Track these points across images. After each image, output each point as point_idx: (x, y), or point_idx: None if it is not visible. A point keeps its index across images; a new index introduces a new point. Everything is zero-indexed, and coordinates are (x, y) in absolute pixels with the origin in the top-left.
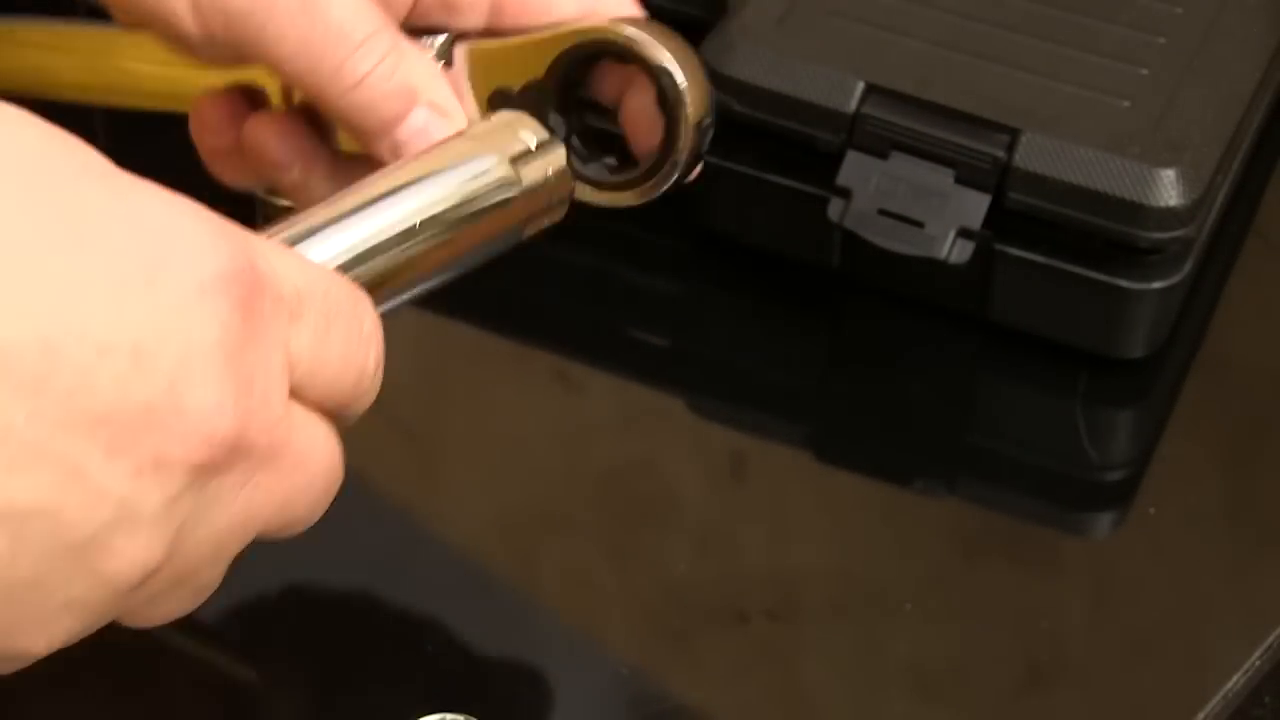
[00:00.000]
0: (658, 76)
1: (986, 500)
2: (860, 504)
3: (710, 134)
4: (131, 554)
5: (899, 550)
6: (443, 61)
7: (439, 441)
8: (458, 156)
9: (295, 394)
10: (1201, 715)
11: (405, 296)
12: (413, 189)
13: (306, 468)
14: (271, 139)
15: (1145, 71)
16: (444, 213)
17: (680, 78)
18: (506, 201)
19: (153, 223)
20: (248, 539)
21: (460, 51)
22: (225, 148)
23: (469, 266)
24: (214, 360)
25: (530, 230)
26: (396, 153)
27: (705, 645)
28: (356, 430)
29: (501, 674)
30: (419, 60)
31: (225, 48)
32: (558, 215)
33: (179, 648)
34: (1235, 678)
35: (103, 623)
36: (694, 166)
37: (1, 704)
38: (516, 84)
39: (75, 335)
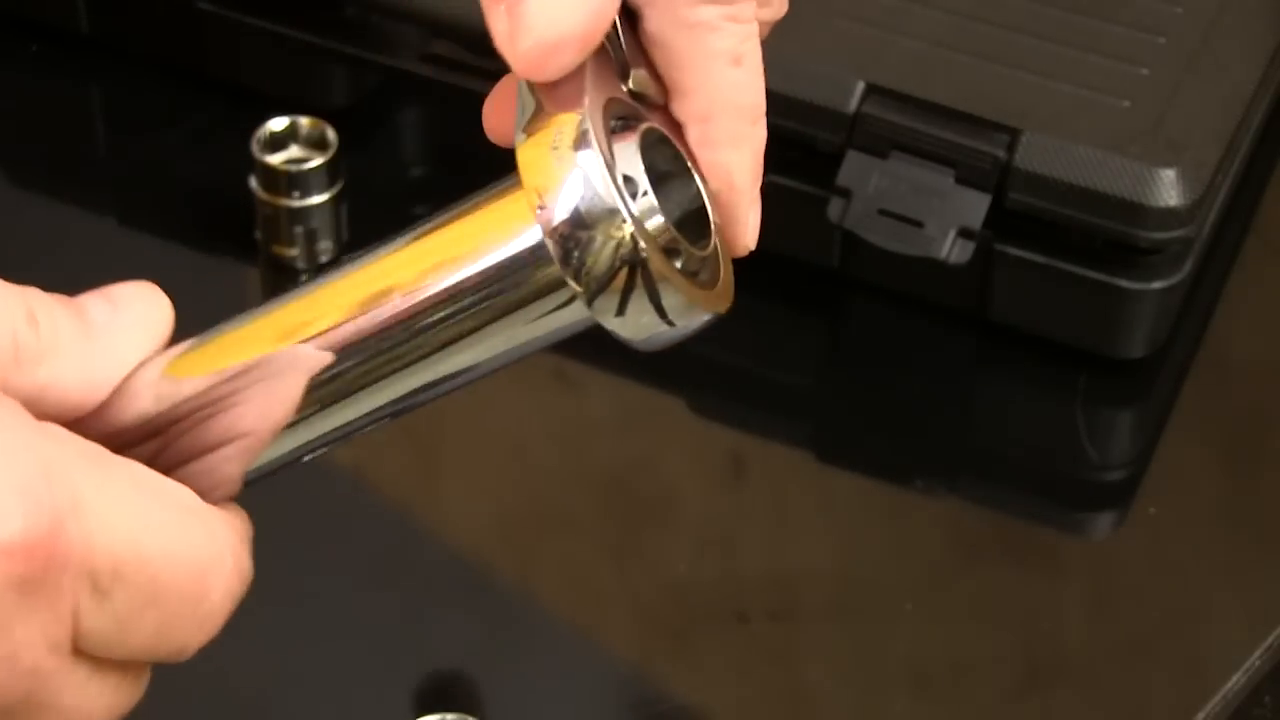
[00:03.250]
0: None
1: (986, 500)
2: (860, 504)
3: None
4: None
5: (899, 550)
6: None
7: (439, 441)
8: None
9: (81, 652)
10: (1201, 715)
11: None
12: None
13: None
14: None
15: (1145, 71)
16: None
17: None
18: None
19: None
20: None
21: None
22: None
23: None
24: None
25: None
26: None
27: (705, 645)
28: None
29: (501, 674)
30: None
31: None
32: None
33: None
34: (1235, 678)
35: None
36: None
37: None
38: None
39: None
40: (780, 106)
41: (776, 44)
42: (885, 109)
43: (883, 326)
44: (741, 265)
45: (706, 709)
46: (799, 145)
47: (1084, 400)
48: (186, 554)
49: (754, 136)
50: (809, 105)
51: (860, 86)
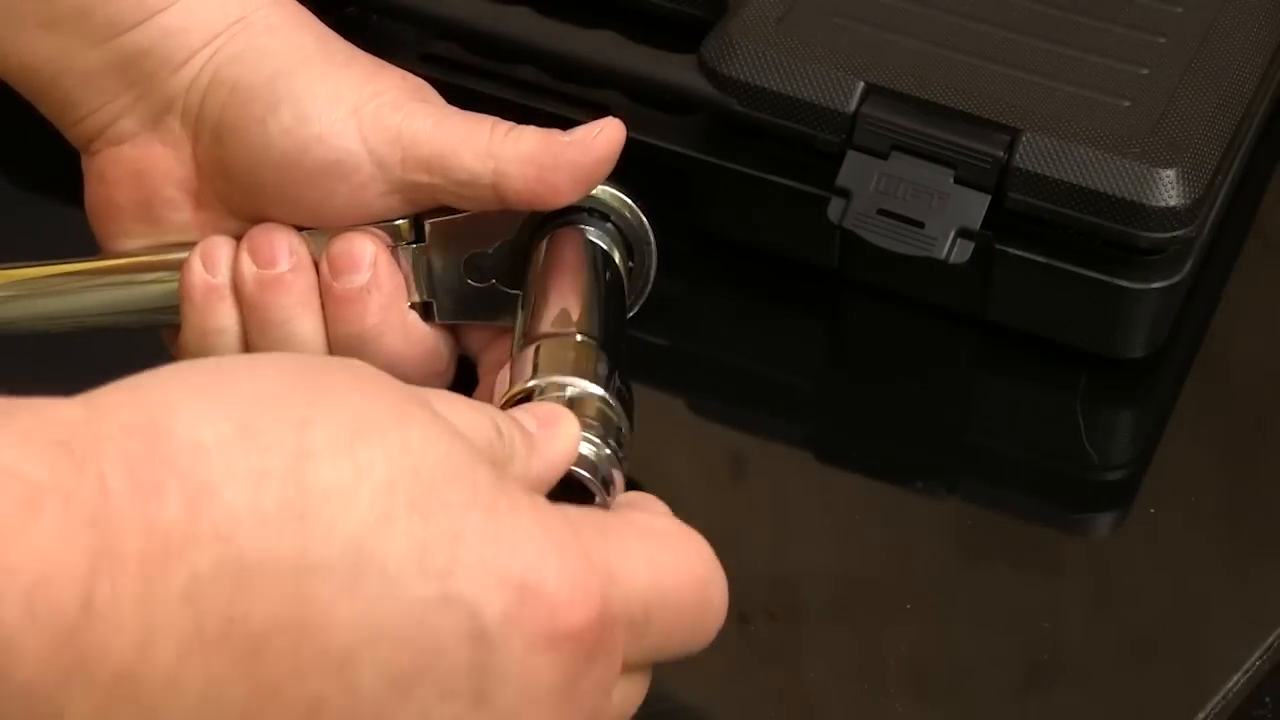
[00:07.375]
0: (636, 231)
1: (986, 500)
2: (860, 504)
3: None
4: None
5: (899, 550)
6: (413, 240)
7: None
8: None
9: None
10: (1201, 715)
11: None
12: None
13: None
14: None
15: (1145, 71)
16: None
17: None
18: None
19: (521, 563)
20: None
21: (426, 226)
22: None
23: None
24: (548, 704)
25: None
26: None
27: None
28: None
29: None
30: None
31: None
32: None
33: None
34: (1235, 678)
35: None
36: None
37: None
38: (488, 246)
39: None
40: (780, 106)
41: (777, 44)
42: (885, 109)
43: (883, 326)
44: (742, 265)
45: (706, 709)
46: (799, 145)
47: (1084, 400)
48: (690, 574)
49: None
50: (809, 105)
51: (860, 86)
